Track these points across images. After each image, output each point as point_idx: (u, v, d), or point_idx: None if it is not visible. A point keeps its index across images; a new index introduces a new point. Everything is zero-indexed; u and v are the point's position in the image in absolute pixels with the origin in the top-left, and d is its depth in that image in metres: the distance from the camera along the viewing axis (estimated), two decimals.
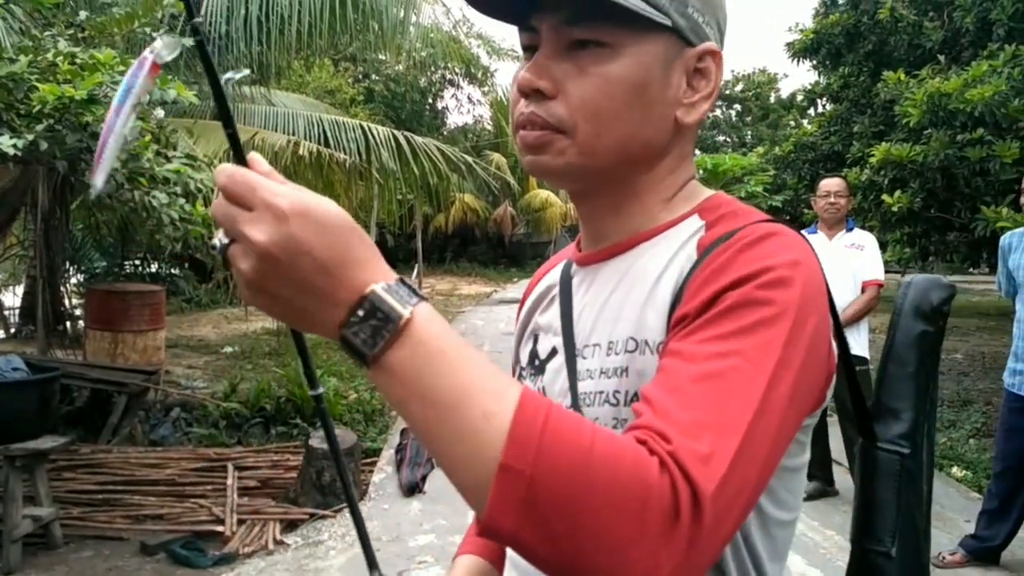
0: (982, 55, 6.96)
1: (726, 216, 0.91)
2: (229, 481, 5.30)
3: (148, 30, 5.32)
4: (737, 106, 37.88)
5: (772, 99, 37.22)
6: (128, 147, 4.06)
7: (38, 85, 3.90)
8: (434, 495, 5.33)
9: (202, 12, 7.28)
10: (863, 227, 5.90)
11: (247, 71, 6.23)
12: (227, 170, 0.66)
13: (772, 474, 0.74)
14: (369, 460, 6.17)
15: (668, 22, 0.87)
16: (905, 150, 6.87)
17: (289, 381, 7.33)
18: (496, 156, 25.76)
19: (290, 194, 0.64)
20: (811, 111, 13.62)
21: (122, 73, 4.12)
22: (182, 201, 4.47)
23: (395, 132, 9.05)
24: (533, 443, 0.61)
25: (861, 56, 9.29)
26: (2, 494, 4.35)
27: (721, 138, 36.59)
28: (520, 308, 1.18)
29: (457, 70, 28.11)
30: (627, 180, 0.94)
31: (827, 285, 0.84)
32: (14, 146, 3.68)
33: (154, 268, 14.81)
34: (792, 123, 27.52)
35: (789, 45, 10.19)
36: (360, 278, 0.65)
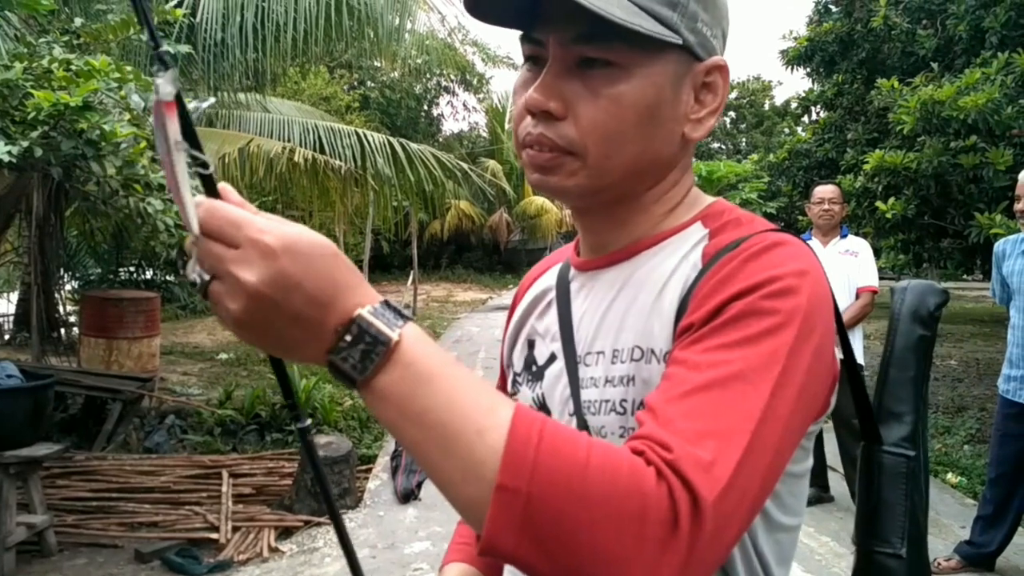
0: (975, 63, 6.99)
1: (729, 224, 0.91)
2: (224, 488, 5.29)
3: (143, 37, 5.31)
4: (732, 113, 37.94)
5: (766, 106, 37.31)
6: (125, 153, 4.06)
7: (33, 92, 3.89)
8: (429, 502, 5.32)
9: (197, 19, 7.31)
10: (857, 234, 5.93)
11: (212, 99, 6.23)
12: (204, 205, 0.63)
13: (777, 481, 0.74)
14: (364, 467, 6.16)
15: (679, 40, 0.85)
16: (899, 157, 6.89)
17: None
18: (492, 163, 25.78)
19: (276, 229, 0.63)
20: (805, 118, 13.64)
21: (117, 80, 4.14)
22: (177, 207, 4.46)
23: (390, 139, 9.07)
24: (529, 460, 0.61)
25: (855, 64, 9.33)
26: None
27: (716, 145, 36.64)
28: (511, 311, 1.16)
29: (452, 77, 28.14)
30: (633, 194, 0.93)
31: (832, 293, 0.84)
32: (9, 153, 3.68)
33: (149, 275, 14.78)
34: (786, 130, 27.54)
35: (783, 53, 10.23)
36: (348, 303, 0.65)
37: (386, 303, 0.66)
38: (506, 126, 26.12)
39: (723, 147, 36.77)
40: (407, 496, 5.40)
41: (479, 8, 0.89)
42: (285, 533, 4.90)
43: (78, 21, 5.33)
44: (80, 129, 3.96)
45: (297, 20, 7.66)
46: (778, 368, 0.72)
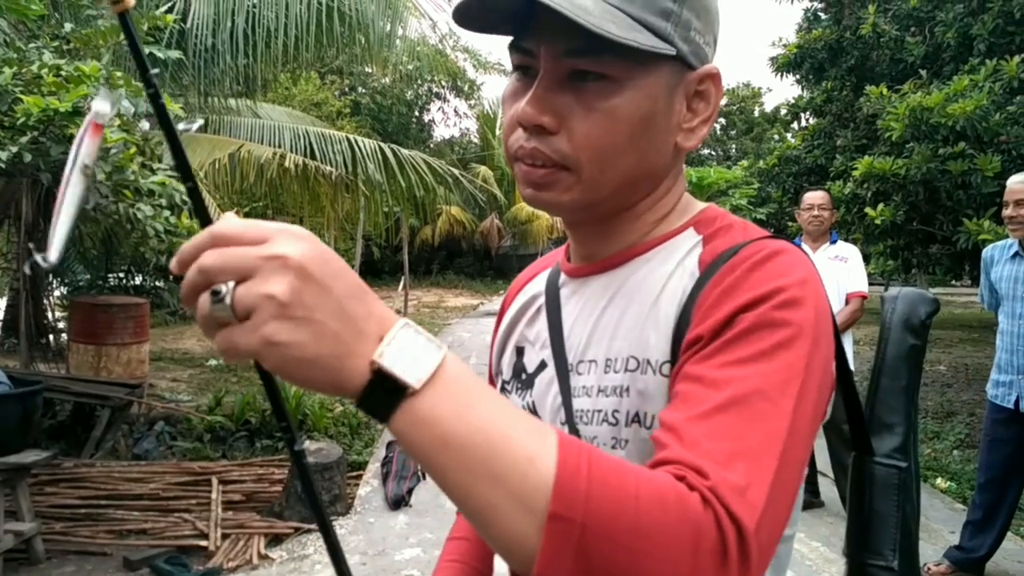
0: (963, 70, 7.04)
1: (722, 230, 0.90)
2: (213, 495, 5.26)
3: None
4: (722, 120, 38.11)
5: (756, 113, 37.55)
6: (114, 159, 4.05)
7: (22, 97, 3.88)
8: (420, 508, 5.31)
9: (188, 24, 7.30)
10: (847, 240, 5.95)
11: (201, 121, 6.20)
12: (228, 217, 0.59)
13: (796, 497, 0.74)
14: (355, 473, 6.14)
15: (673, 52, 0.84)
16: (888, 164, 6.93)
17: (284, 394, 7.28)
18: (483, 169, 25.84)
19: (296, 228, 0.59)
20: (795, 125, 13.72)
21: (107, 85, 4.13)
22: (167, 213, 4.46)
23: (381, 144, 9.07)
24: (582, 489, 0.58)
25: (844, 71, 9.37)
26: None
27: (706, 151, 36.79)
28: (500, 317, 1.14)
29: (444, 83, 28.22)
30: (626, 205, 0.92)
31: (828, 299, 0.83)
32: None
33: (138, 280, 14.71)
34: (776, 137, 27.74)
35: (773, 60, 10.26)
36: (385, 311, 0.60)
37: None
38: (497, 132, 26.18)
39: (713, 153, 36.94)
40: (398, 502, 5.39)
41: (469, 21, 0.87)
42: (275, 540, 4.87)
43: (68, 26, 5.31)
44: (69, 135, 3.94)
45: (288, 26, 7.65)
46: (797, 384, 0.72)
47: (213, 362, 10.46)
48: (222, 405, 7.32)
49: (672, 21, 0.84)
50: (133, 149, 4.32)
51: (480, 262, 30.20)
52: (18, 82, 4.03)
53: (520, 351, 1.04)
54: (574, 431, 0.90)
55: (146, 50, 5.31)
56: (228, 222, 0.58)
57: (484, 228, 28.03)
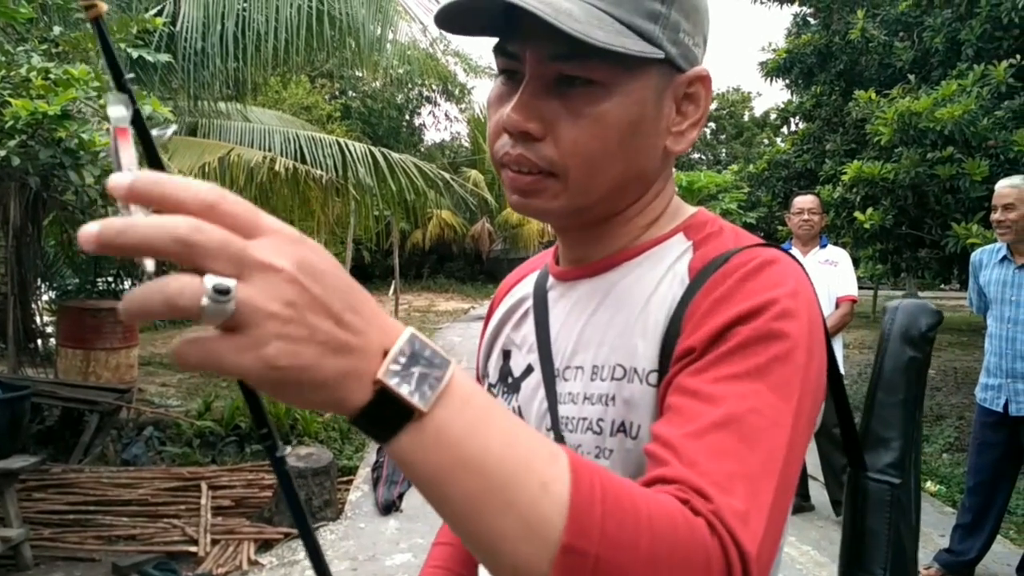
0: (951, 75, 7.09)
1: (712, 235, 0.89)
2: (203, 500, 5.24)
3: (123, 46, 5.28)
4: (712, 124, 38.26)
5: (746, 117, 37.72)
6: (103, 162, 4.04)
7: (11, 100, 3.87)
8: (411, 513, 5.30)
9: (177, 27, 7.28)
10: (836, 244, 5.98)
11: (174, 127, 6.17)
12: (215, 189, 0.49)
13: (788, 512, 0.73)
14: (345, 479, 6.12)
15: (662, 55, 0.82)
16: (876, 168, 6.97)
17: (263, 399, 7.26)
18: (473, 173, 25.86)
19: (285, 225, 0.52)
20: (784, 129, 13.78)
21: (96, 89, 4.12)
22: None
23: (372, 148, 9.06)
24: (596, 518, 0.55)
25: (833, 76, 9.43)
26: None
27: (696, 155, 36.91)
28: (488, 318, 1.12)
29: (434, 87, 28.26)
30: (615, 210, 0.91)
31: (820, 307, 0.82)
32: None
33: (127, 285, 14.64)
34: (766, 141, 27.83)
35: (762, 64, 10.31)
36: (387, 320, 0.54)
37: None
38: (488, 143, 26.17)
39: (703, 157, 37.06)
40: (388, 508, 5.37)
41: (452, 24, 0.85)
42: (265, 546, 4.85)
43: (57, 30, 5.30)
44: (58, 138, 3.93)
45: (278, 29, 7.64)
46: (794, 400, 0.71)
47: None
48: (211, 410, 7.28)
49: (660, 23, 0.82)
50: None
51: (471, 266, 30.20)
52: (6, 85, 4.02)
53: (507, 354, 1.03)
54: (559, 438, 0.89)
55: (135, 53, 5.31)
56: (226, 195, 0.49)
57: (475, 232, 28.03)
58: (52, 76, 4.11)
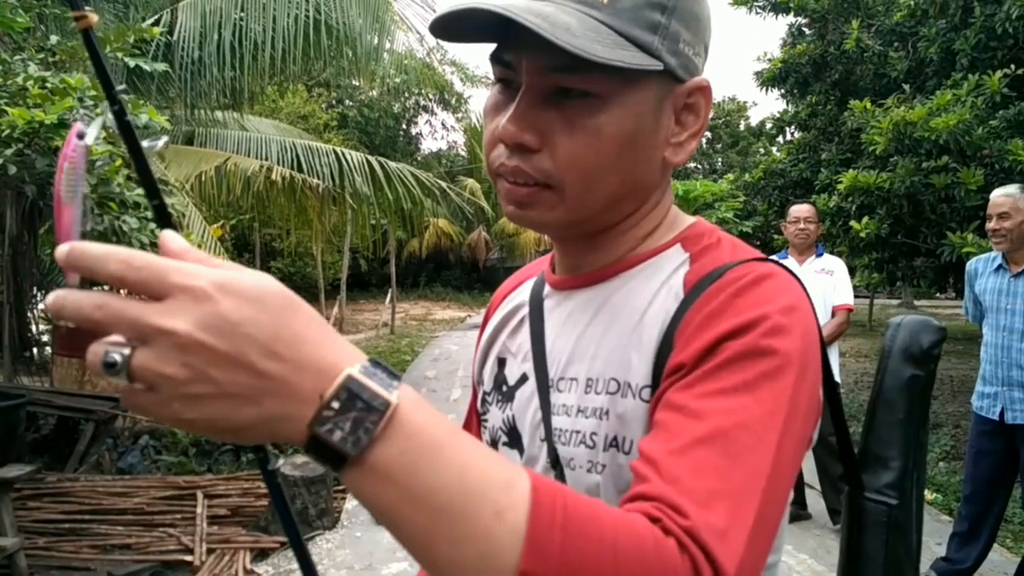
0: (946, 84, 7.12)
1: (709, 247, 0.88)
2: (199, 510, 5.22)
3: (120, 55, 5.29)
4: (708, 133, 38.35)
5: (742, 127, 37.82)
6: (100, 171, 4.04)
7: (7, 109, 3.86)
8: None
9: (174, 37, 7.29)
10: (832, 253, 5.99)
11: (166, 137, 6.20)
12: (121, 255, 0.51)
13: (777, 531, 0.71)
14: (341, 487, 6.10)
15: (661, 67, 0.80)
16: (872, 177, 6.99)
17: None
18: (470, 181, 25.91)
19: (209, 272, 0.52)
20: (780, 139, 13.78)
21: (93, 98, 4.12)
22: (153, 226, 4.44)
23: (369, 157, 9.08)
24: (555, 544, 0.54)
25: (828, 85, 9.46)
26: None
27: (692, 164, 36.96)
28: (483, 325, 1.11)
29: (431, 96, 28.32)
30: (612, 221, 0.90)
31: (817, 320, 0.81)
32: None
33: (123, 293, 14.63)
34: (761, 150, 27.88)
35: (758, 74, 10.33)
36: (325, 360, 0.53)
37: (375, 361, 0.55)
38: (484, 153, 26.24)
39: (699, 167, 37.14)
40: None
41: (447, 32, 0.83)
42: (261, 555, 4.84)
43: (54, 39, 5.30)
44: (55, 147, 3.93)
45: (275, 39, 7.65)
46: (781, 416, 0.69)
47: None
48: None
49: (660, 34, 0.80)
50: (119, 162, 4.31)
51: (468, 274, 30.24)
52: (3, 94, 4.02)
53: (502, 362, 1.02)
54: (553, 450, 0.88)
55: (132, 62, 5.31)
56: (132, 260, 0.51)
57: (471, 240, 28.08)
58: (49, 85, 4.12)
